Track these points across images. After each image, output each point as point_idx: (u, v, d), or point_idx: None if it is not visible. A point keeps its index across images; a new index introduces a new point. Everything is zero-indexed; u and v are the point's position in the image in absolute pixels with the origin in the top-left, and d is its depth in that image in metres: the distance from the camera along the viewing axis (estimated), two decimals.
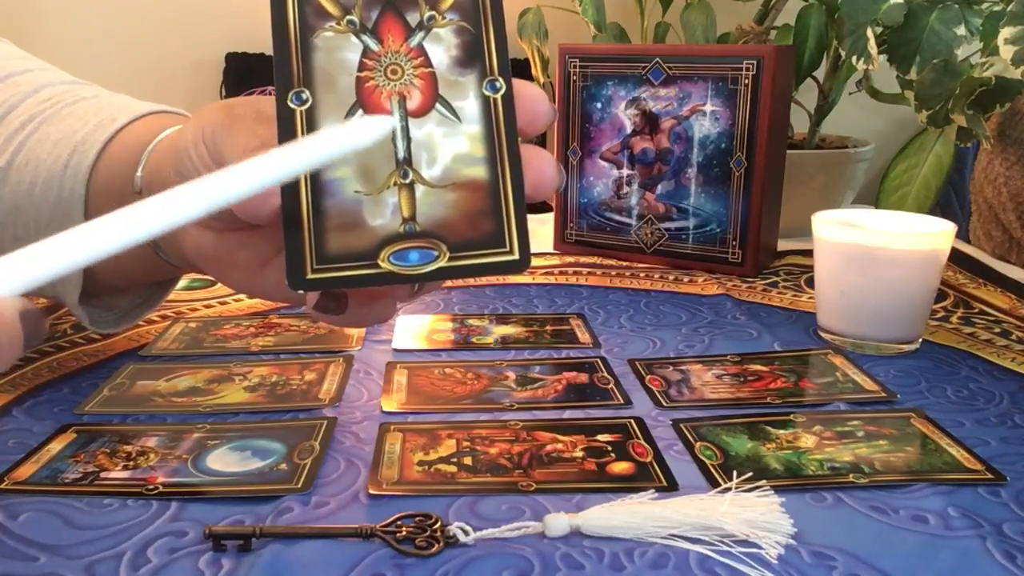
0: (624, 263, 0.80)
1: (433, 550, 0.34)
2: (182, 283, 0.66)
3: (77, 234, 0.25)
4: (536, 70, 1.38)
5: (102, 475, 0.40)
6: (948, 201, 1.52)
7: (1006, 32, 0.69)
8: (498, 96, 0.34)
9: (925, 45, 0.76)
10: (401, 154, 0.34)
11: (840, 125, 1.07)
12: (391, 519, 0.36)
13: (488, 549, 0.35)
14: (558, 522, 0.35)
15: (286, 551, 0.34)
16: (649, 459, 0.42)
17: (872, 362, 0.55)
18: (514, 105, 0.34)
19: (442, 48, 0.34)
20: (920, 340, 0.58)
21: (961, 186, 1.46)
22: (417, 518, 0.36)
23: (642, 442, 0.44)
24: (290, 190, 0.33)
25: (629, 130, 0.79)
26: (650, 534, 0.35)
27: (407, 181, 0.33)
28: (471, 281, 0.72)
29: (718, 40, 1.18)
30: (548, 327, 0.62)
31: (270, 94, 0.34)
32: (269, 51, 0.34)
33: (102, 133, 0.48)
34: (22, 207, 0.48)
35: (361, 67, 0.34)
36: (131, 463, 0.41)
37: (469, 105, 0.34)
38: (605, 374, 0.53)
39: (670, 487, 0.39)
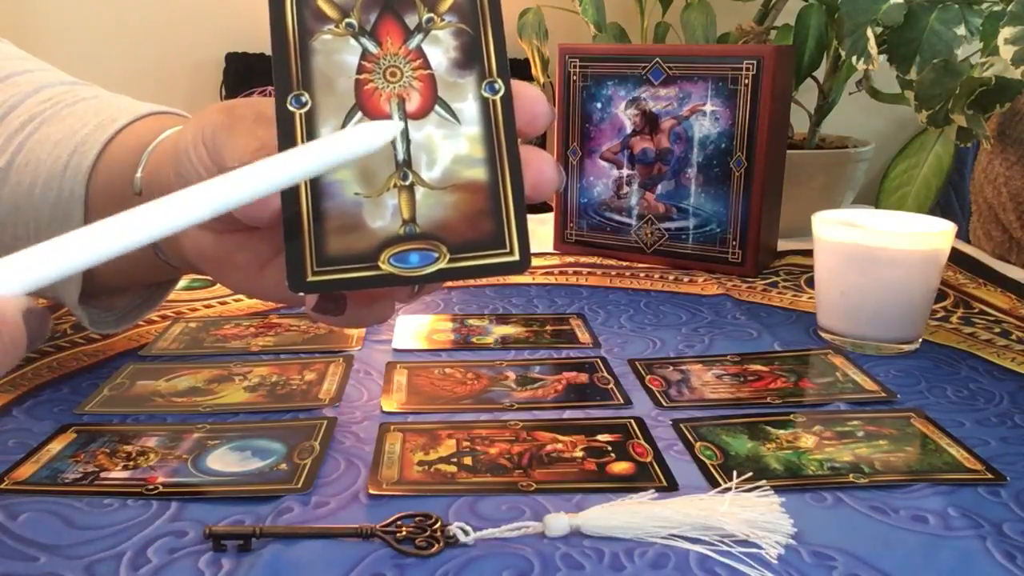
0: (624, 263, 0.80)
1: (433, 550, 0.34)
2: (182, 283, 0.66)
3: (80, 236, 0.25)
4: (536, 70, 1.38)
5: (102, 475, 0.40)
6: (948, 201, 1.52)
7: (1006, 32, 0.69)
8: (497, 97, 0.34)
9: (925, 45, 0.76)
10: (401, 156, 0.34)
11: (840, 125, 1.07)
12: (391, 519, 0.36)
13: (488, 549, 0.35)
14: (558, 522, 0.36)
15: (286, 551, 0.34)
16: (649, 459, 0.42)
17: (872, 362, 0.55)
18: (513, 106, 0.34)
19: (441, 50, 0.34)
20: (920, 340, 0.58)
21: (961, 186, 1.46)
22: (417, 518, 0.36)
23: (642, 442, 0.44)
24: (290, 193, 0.33)
25: (629, 130, 0.79)
26: (650, 534, 0.35)
27: (407, 183, 0.34)
28: (471, 281, 0.72)
29: (718, 40, 1.18)
30: (548, 327, 0.62)
31: (270, 94, 0.34)
32: (269, 51, 0.34)
33: (102, 134, 0.48)
34: (22, 207, 0.48)
35: (360, 70, 0.34)
36: (131, 463, 0.41)
37: (468, 107, 0.34)
38: (605, 374, 0.53)
39: (670, 487, 0.40)
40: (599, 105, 0.80)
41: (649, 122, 0.78)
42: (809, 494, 0.39)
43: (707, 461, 0.42)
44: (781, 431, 0.45)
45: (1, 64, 0.54)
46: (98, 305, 0.53)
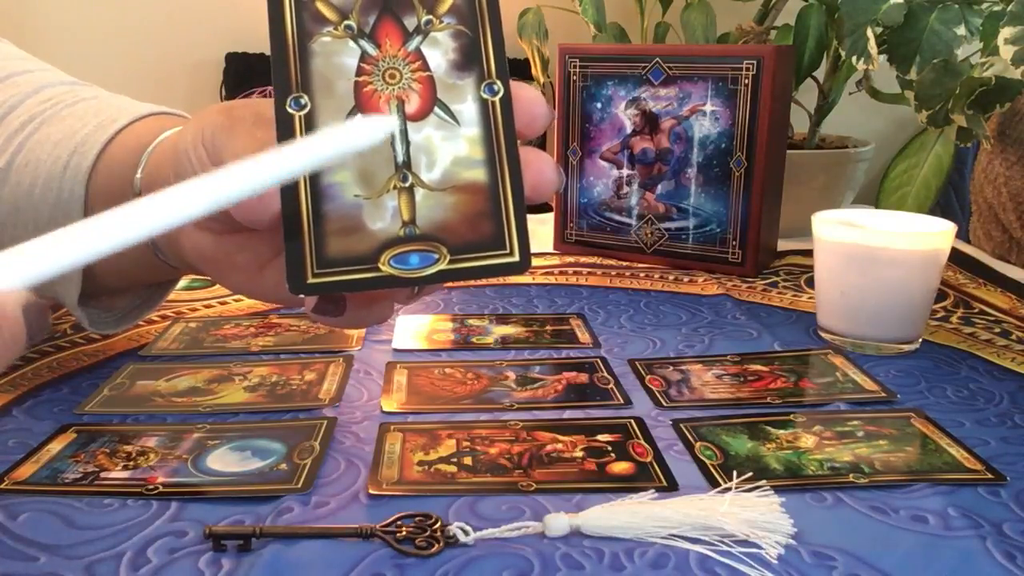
0: (624, 263, 0.80)
1: (433, 550, 0.34)
2: (182, 283, 0.66)
3: (80, 230, 0.25)
4: (536, 70, 1.38)
5: (102, 475, 0.40)
6: (948, 201, 1.52)
7: (1006, 32, 0.69)
8: (496, 99, 0.34)
9: (925, 45, 0.76)
10: (400, 158, 0.34)
11: (840, 125, 1.07)
12: (391, 519, 0.36)
13: (488, 549, 0.35)
14: (558, 522, 0.36)
15: (286, 551, 0.35)
16: (649, 459, 0.42)
17: (872, 362, 0.55)
18: (512, 108, 0.34)
19: (440, 52, 0.34)
20: (920, 340, 0.58)
21: (961, 186, 1.46)
22: (417, 518, 0.36)
23: (642, 442, 0.44)
24: (290, 195, 0.33)
25: (629, 130, 0.79)
26: (650, 534, 0.35)
27: (406, 184, 0.34)
28: (471, 281, 0.72)
29: (718, 40, 1.18)
30: (548, 327, 0.62)
31: (270, 94, 0.34)
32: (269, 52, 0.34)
33: (102, 134, 0.48)
34: (21, 208, 0.48)
35: (359, 72, 0.34)
36: (131, 463, 0.41)
37: (467, 108, 0.34)
38: (605, 374, 0.53)
39: (670, 487, 0.40)
40: (599, 105, 0.80)
41: (649, 122, 0.78)
42: (809, 494, 0.39)
43: (707, 461, 0.42)
44: (781, 431, 0.45)
45: (1, 64, 0.54)
46: (98, 305, 0.53)
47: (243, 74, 1.86)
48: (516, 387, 0.51)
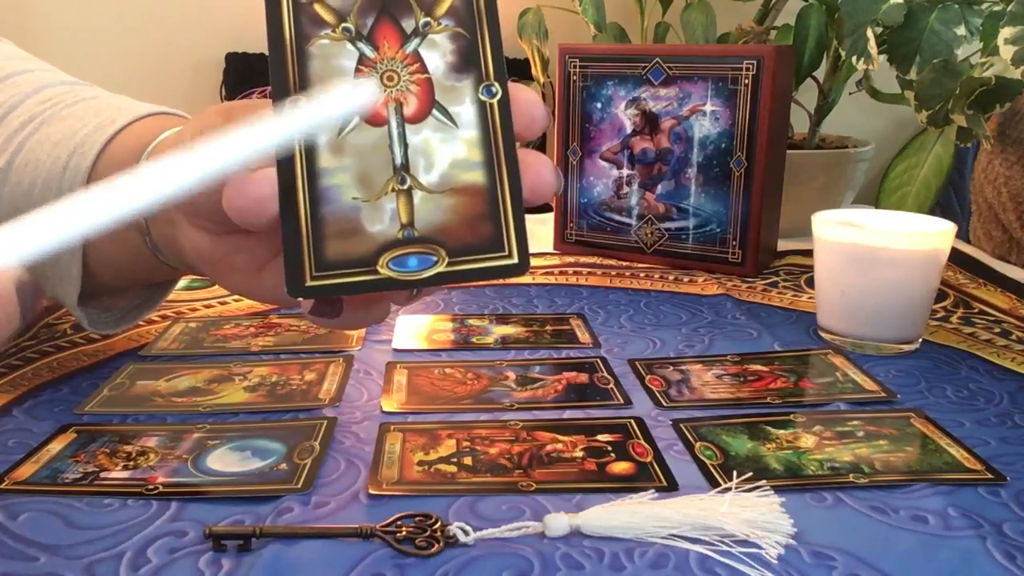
0: (624, 263, 0.80)
1: (433, 550, 0.34)
2: (182, 283, 0.66)
3: (74, 205, 0.24)
4: (536, 70, 1.38)
5: (102, 475, 0.40)
6: (948, 201, 1.52)
7: (1006, 32, 0.69)
8: (494, 101, 0.34)
9: (925, 45, 0.76)
10: (398, 160, 0.34)
11: (840, 125, 1.07)
12: (391, 519, 0.36)
13: (488, 549, 0.35)
14: (558, 522, 0.36)
15: (286, 551, 0.35)
16: (649, 459, 0.42)
17: (872, 362, 0.55)
18: (510, 110, 0.34)
19: (438, 54, 0.34)
20: (920, 340, 0.58)
21: (961, 186, 1.46)
22: (417, 518, 0.36)
23: (642, 442, 0.44)
24: (288, 198, 0.33)
25: (629, 130, 0.79)
26: (650, 534, 0.35)
27: (405, 187, 0.34)
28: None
29: (718, 40, 1.18)
30: (548, 327, 0.62)
31: (270, 95, 0.34)
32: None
33: (101, 134, 0.48)
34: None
35: (357, 74, 0.34)
36: (131, 463, 0.41)
37: (465, 110, 0.34)
38: (605, 374, 0.53)
39: (670, 487, 0.40)
40: (599, 105, 0.80)
41: (649, 122, 0.78)
42: (809, 494, 0.39)
43: (707, 461, 0.42)
44: (781, 431, 0.45)
45: (1, 64, 0.54)
46: (97, 306, 0.53)
47: (243, 74, 1.86)
48: (516, 387, 0.51)
